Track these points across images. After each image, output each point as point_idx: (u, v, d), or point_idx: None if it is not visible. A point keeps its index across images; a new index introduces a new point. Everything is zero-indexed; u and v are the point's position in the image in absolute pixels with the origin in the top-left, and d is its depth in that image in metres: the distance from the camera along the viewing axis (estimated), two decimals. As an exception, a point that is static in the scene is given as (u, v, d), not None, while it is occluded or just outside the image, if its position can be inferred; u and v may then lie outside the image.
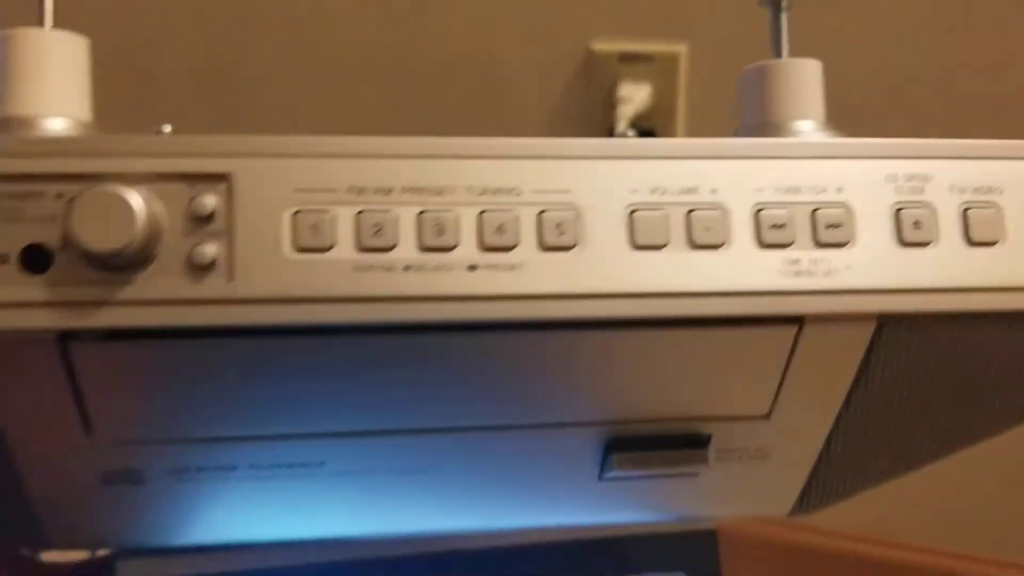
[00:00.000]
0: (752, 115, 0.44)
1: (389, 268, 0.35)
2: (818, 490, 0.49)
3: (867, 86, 0.80)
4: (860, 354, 0.41)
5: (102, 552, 0.54)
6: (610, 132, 0.74)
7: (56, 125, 0.36)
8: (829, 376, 0.42)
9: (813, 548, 1.16)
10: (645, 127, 0.74)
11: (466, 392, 0.40)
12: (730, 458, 0.46)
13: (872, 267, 0.37)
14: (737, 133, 0.44)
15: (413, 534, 0.49)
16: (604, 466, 0.45)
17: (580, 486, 0.46)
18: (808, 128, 0.42)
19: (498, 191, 0.35)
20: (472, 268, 0.35)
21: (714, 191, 0.36)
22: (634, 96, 0.71)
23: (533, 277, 0.35)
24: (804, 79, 0.43)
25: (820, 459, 0.47)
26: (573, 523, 0.50)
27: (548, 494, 0.46)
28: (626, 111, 0.69)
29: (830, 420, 0.44)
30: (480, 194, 0.35)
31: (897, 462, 0.48)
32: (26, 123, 0.36)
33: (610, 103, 0.71)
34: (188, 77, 0.79)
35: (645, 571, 0.56)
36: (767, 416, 0.44)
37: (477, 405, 0.41)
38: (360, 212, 0.35)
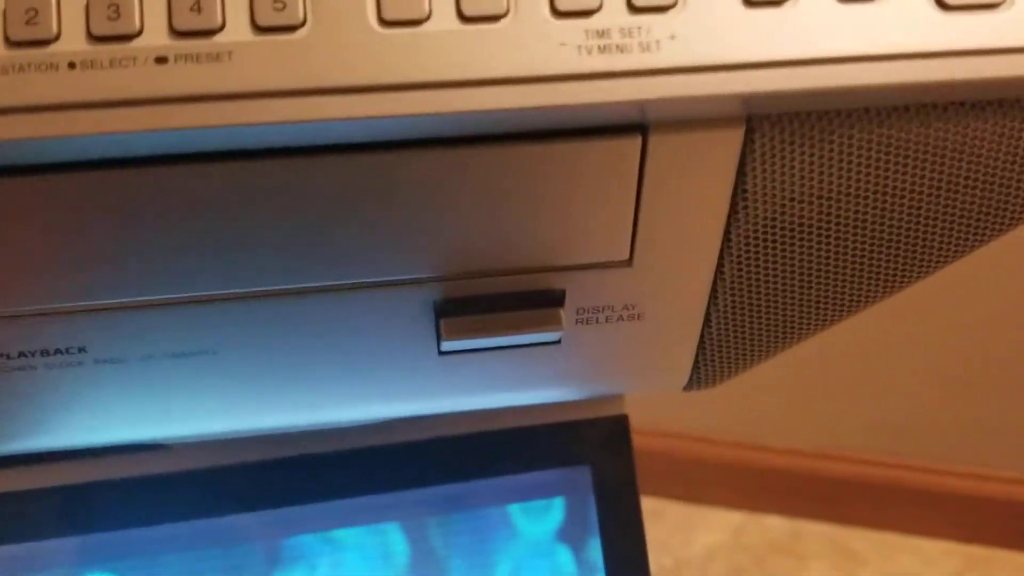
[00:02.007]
0: None
1: (50, 66, 0.26)
2: (715, 356, 0.40)
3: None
4: (731, 170, 0.32)
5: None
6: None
7: None
8: (696, 204, 0.33)
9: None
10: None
11: (213, 245, 0.31)
12: (595, 320, 0.37)
13: (710, 35, 0.27)
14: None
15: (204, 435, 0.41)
16: (438, 338, 0.36)
17: (421, 366, 0.38)
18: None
19: (196, -44, 0.26)
20: (161, 60, 0.26)
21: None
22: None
23: (246, 68, 0.26)
24: None
25: (708, 315, 0.38)
26: (420, 412, 0.41)
27: (379, 379, 0.38)
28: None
29: (710, 263, 0.35)
30: (170, -38, 0.26)
31: (807, 313, 0.38)
32: None
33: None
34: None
35: (543, 465, 0.48)
36: (628, 262, 0.34)
37: (240, 262, 0.32)
38: (10, -6, 0.26)
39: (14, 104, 0.26)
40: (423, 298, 0.35)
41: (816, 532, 1.08)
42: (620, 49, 0.27)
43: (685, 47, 0.27)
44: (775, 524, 1.10)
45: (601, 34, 0.27)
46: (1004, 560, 1.06)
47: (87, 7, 0.26)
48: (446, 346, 0.36)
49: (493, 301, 0.35)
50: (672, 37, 0.27)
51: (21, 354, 0.35)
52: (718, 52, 0.27)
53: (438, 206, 0.32)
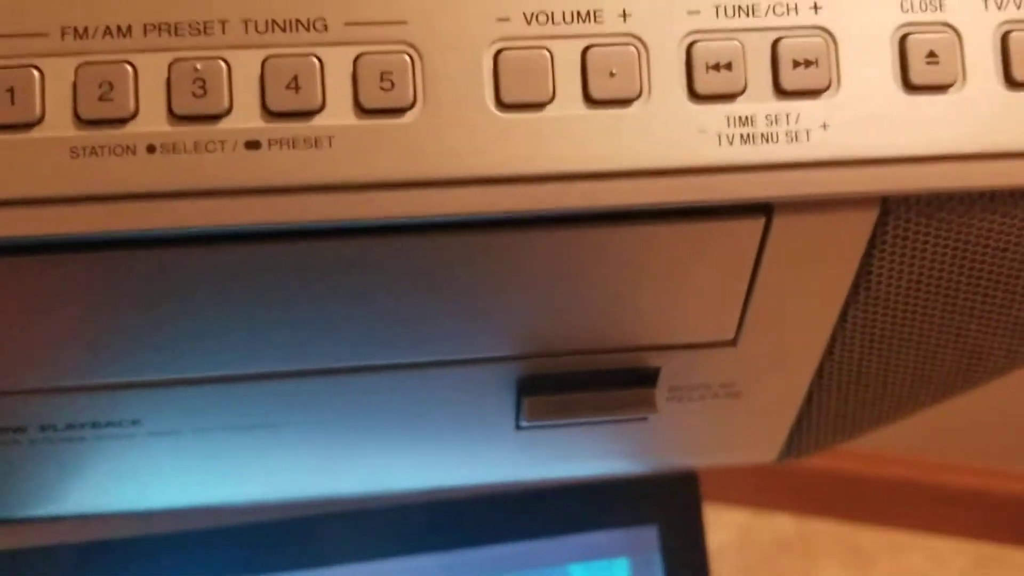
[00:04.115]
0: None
1: (126, 149, 0.23)
2: (812, 431, 0.37)
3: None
4: (858, 252, 0.29)
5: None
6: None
7: None
8: (816, 285, 0.30)
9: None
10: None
11: (288, 323, 0.28)
12: (689, 397, 0.34)
13: (865, 124, 0.24)
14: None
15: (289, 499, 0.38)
16: (518, 414, 0.33)
17: (496, 437, 0.35)
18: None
19: (292, 25, 0.23)
20: (253, 145, 0.23)
21: (624, 16, 0.24)
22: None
23: (348, 156, 0.23)
24: None
25: (811, 393, 0.35)
26: (496, 480, 0.39)
27: (448, 450, 0.35)
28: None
29: (820, 344, 0.32)
30: (264, 31, 0.23)
31: (918, 393, 0.36)
32: None
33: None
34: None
35: (607, 525, 0.45)
36: (733, 342, 0.32)
37: (317, 340, 0.29)
38: (81, 65, 0.23)
39: (87, 192, 0.23)
40: (505, 374, 0.32)
41: (825, 530, 1.07)
42: (765, 139, 0.24)
43: (838, 138, 0.24)
44: (784, 522, 1.08)
45: (745, 121, 0.24)
46: (1015, 558, 1.05)
47: (169, 81, 0.23)
48: (526, 424, 0.33)
49: (579, 379, 0.33)
50: (824, 126, 0.24)
51: (69, 426, 0.32)
52: (875, 144, 0.24)
53: (534, 286, 0.29)
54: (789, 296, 0.30)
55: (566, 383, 0.33)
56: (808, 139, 0.24)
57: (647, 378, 0.33)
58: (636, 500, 0.45)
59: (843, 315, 0.32)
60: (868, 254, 0.29)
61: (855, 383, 0.34)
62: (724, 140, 0.24)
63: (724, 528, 1.08)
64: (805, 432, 0.37)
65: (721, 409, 0.35)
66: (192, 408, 0.32)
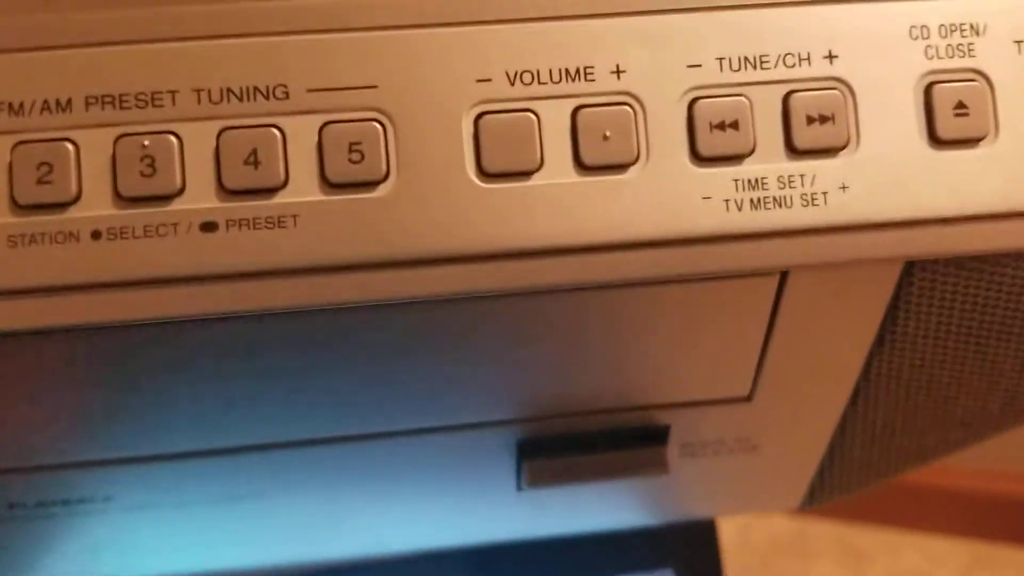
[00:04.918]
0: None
1: (69, 235, 0.20)
2: (836, 480, 0.35)
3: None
4: (881, 305, 0.26)
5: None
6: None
7: None
8: (836, 337, 0.28)
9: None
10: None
11: (271, 396, 0.26)
12: (702, 453, 0.32)
13: (888, 184, 0.22)
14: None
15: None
16: (518, 476, 0.31)
17: (498, 498, 0.33)
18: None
19: (249, 93, 0.21)
20: (208, 227, 0.20)
21: (617, 72, 0.21)
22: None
23: (315, 236, 0.21)
24: None
25: (833, 444, 0.32)
26: (500, 538, 0.36)
27: (457, 510, 0.33)
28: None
29: (842, 397, 0.30)
30: (218, 101, 0.21)
31: (943, 441, 0.33)
32: None
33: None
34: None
35: (624, 569, 0.43)
36: (748, 398, 0.29)
37: (306, 412, 0.27)
38: (17, 144, 0.20)
39: (28, 284, 0.20)
40: (504, 437, 0.30)
41: (822, 530, 1.05)
42: (778, 203, 0.21)
43: (859, 200, 0.21)
44: (781, 523, 1.06)
45: (755, 184, 0.21)
46: (1012, 557, 1.03)
47: (114, 159, 0.21)
48: (527, 487, 0.31)
49: (583, 440, 0.30)
50: (843, 187, 0.21)
51: (39, 503, 0.30)
52: (898, 205, 0.22)
53: (534, 349, 0.26)
54: (808, 350, 0.28)
55: (569, 444, 0.30)
56: (826, 202, 0.21)
57: (656, 436, 0.30)
58: (653, 545, 0.43)
59: (866, 367, 0.29)
60: (893, 306, 0.27)
61: (880, 432, 0.32)
62: (732, 206, 0.21)
63: (722, 528, 1.06)
64: (828, 481, 0.35)
65: (737, 463, 0.32)
66: (169, 482, 0.30)
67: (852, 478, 0.35)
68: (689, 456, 0.32)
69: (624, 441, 0.30)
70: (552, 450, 0.30)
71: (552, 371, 0.27)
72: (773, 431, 0.31)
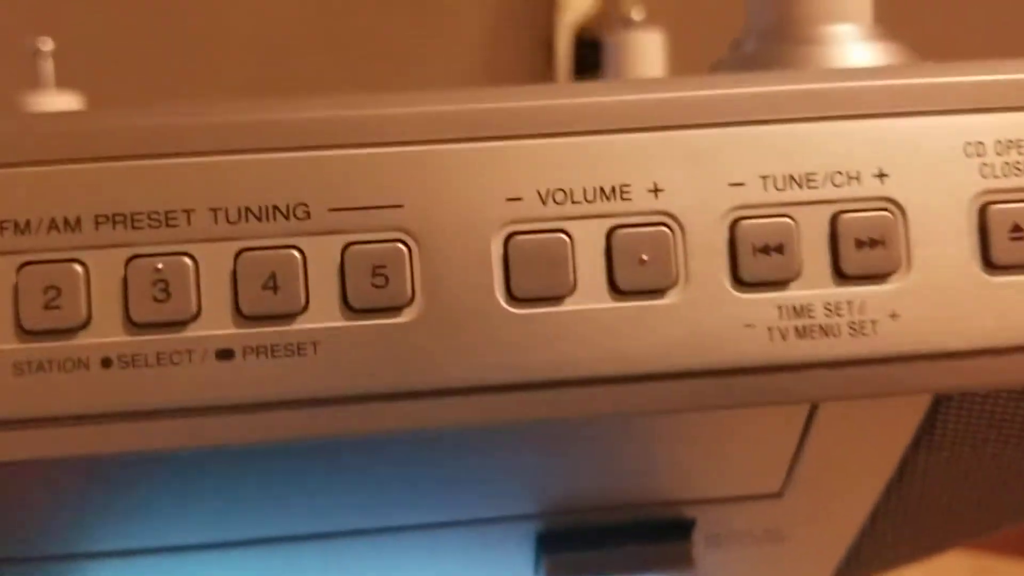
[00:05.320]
0: (757, 19, 0.26)
1: (77, 363, 0.19)
2: (864, 563, 0.34)
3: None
4: (918, 415, 0.25)
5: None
6: (548, 43, 0.56)
7: None
8: (872, 439, 0.26)
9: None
10: (589, 37, 0.55)
11: (286, 490, 0.25)
12: (728, 543, 0.31)
13: (941, 312, 0.20)
14: (727, 57, 0.27)
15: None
16: (537, 569, 0.30)
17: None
18: (847, 37, 0.25)
19: (269, 213, 0.20)
20: (225, 355, 0.19)
21: (655, 191, 0.20)
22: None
23: (336, 364, 0.20)
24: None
25: (862, 536, 0.31)
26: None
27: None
28: (568, 18, 0.51)
29: (873, 493, 0.29)
30: (235, 221, 0.20)
31: (970, 529, 0.32)
32: None
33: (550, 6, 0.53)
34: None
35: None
36: (779, 494, 0.28)
37: (322, 507, 0.26)
38: (24, 265, 0.19)
39: (34, 415, 0.19)
40: (525, 529, 0.29)
41: None
42: (825, 332, 0.20)
43: (910, 329, 0.20)
44: None
45: (800, 312, 0.20)
46: (1012, 569, 1.02)
47: (125, 283, 0.19)
48: (548, 579, 0.30)
49: (606, 535, 0.29)
50: (893, 316, 0.20)
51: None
52: (952, 334, 0.20)
53: (563, 453, 0.25)
54: (844, 448, 0.27)
55: (591, 538, 0.29)
56: (875, 331, 0.20)
57: (681, 530, 0.29)
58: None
59: (902, 465, 0.28)
60: (932, 411, 0.26)
61: (907, 526, 0.31)
62: (777, 335, 0.20)
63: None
64: (854, 566, 0.34)
65: (763, 553, 0.31)
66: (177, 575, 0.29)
67: (882, 560, 0.34)
68: (713, 547, 0.31)
69: (649, 534, 0.29)
70: (573, 544, 0.29)
71: (580, 471, 0.26)
72: (802, 524, 0.30)
